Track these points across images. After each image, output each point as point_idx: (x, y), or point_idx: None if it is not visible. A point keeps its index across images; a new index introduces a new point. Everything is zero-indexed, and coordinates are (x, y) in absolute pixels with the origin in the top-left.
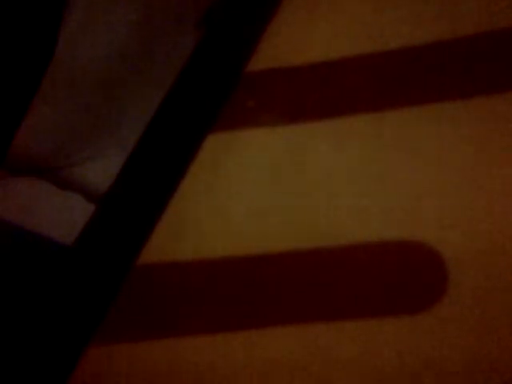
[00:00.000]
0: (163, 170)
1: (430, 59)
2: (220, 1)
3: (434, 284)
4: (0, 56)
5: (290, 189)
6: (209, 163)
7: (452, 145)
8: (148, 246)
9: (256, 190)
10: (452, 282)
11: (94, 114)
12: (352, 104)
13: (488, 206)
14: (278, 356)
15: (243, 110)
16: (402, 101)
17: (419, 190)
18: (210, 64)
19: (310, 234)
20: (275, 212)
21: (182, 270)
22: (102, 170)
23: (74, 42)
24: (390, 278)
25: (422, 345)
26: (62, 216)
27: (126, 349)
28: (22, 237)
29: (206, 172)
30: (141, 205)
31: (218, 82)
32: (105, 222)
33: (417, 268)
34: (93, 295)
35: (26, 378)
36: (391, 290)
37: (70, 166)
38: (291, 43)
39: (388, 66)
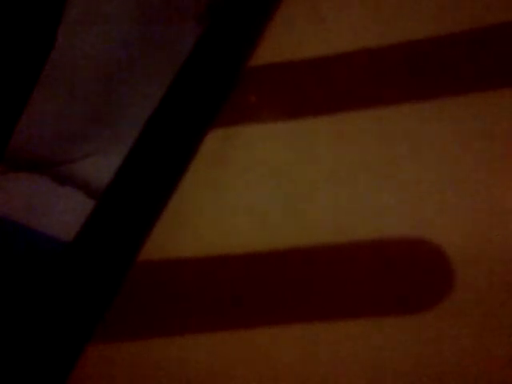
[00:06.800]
0: (163, 166)
1: (432, 55)
2: None
3: (436, 283)
4: None
5: (291, 185)
6: (209, 159)
7: (455, 141)
8: (148, 242)
9: (257, 186)
10: (455, 282)
11: (94, 110)
12: (354, 100)
13: (492, 203)
14: (277, 354)
15: (245, 106)
16: (405, 97)
17: (422, 187)
18: (212, 59)
19: (311, 232)
20: (276, 209)
21: (182, 268)
22: (102, 165)
23: (73, 36)
24: (392, 277)
25: (423, 345)
26: (61, 212)
27: (125, 347)
28: (21, 233)
29: (207, 168)
30: (141, 201)
31: (220, 76)
32: (104, 218)
33: (419, 266)
34: (92, 292)
35: (25, 377)
36: (393, 289)
37: (70, 161)
38: (293, 38)
39: (390, 62)
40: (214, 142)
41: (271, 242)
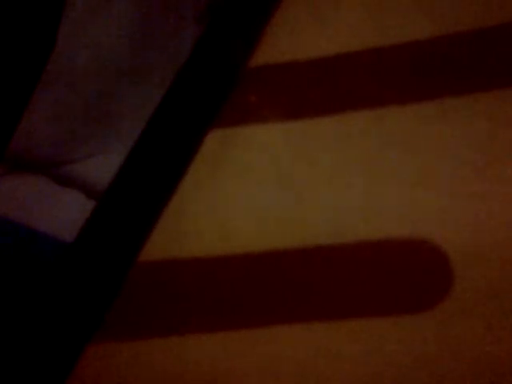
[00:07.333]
0: (164, 166)
1: (433, 55)
2: None
3: (437, 283)
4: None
5: (291, 186)
6: (209, 159)
7: (456, 141)
8: (148, 243)
9: (257, 187)
10: (455, 282)
11: (95, 110)
12: (355, 100)
13: (493, 203)
14: (278, 355)
15: (245, 106)
16: (406, 97)
17: (422, 187)
18: (212, 59)
19: (311, 232)
20: (276, 209)
21: (183, 268)
22: (102, 166)
23: (74, 36)
24: (392, 277)
25: (423, 344)
26: (62, 213)
27: (126, 347)
28: (21, 233)
29: (207, 168)
30: (141, 201)
31: (220, 77)
32: (105, 218)
33: (420, 266)
34: (93, 293)
35: (25, 377)
36: (393, 289)
37: (71, 162)
38: (294, 38)
39: (392, 62)
40: (214, 142)
41: (271, 242)
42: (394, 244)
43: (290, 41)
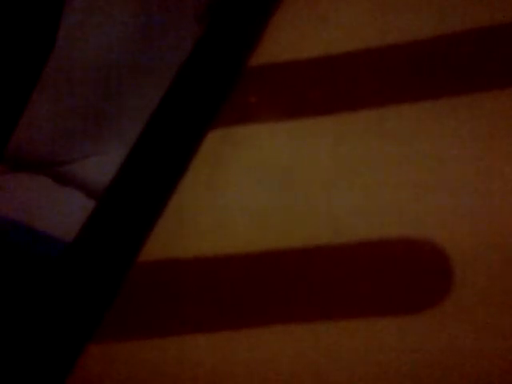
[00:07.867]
0: (164, 166)
1: (433, 54)
2: None
3: (437, 283)
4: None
5: (292, 185)
6: (209, 159)
7: (455, 141)
8: (148, 243)
9: (257, 186)
10: (455, 282)
11: (94, 110)
12: (354, 99)
13: (493, 202)
14: (278, 355)
15: (245, 106)
16: (405, 97)
17: (422, 186)
18: (211, 59)
19: (311, 232)
20: (276, 209)
21: (182, 268)
22: (102, 166)
23: (74, 36)
24: (392, 277)
25: (423, 345)
26: (61, 212)
27: (126, 347)
28: (21, 233)
29: (207, 168)
30: (141, 201)
31: (219, 77)
32: (105, 218)
33: (420, 266)
34: (92, 292)
35: (25, 377)
36: (393, 289)
37: (70, 162)
38: (294, 38)
39: (390, 62)
40: (213, 142)
41: (271, 241)
42: (394, 244)
43: (290, 40)
